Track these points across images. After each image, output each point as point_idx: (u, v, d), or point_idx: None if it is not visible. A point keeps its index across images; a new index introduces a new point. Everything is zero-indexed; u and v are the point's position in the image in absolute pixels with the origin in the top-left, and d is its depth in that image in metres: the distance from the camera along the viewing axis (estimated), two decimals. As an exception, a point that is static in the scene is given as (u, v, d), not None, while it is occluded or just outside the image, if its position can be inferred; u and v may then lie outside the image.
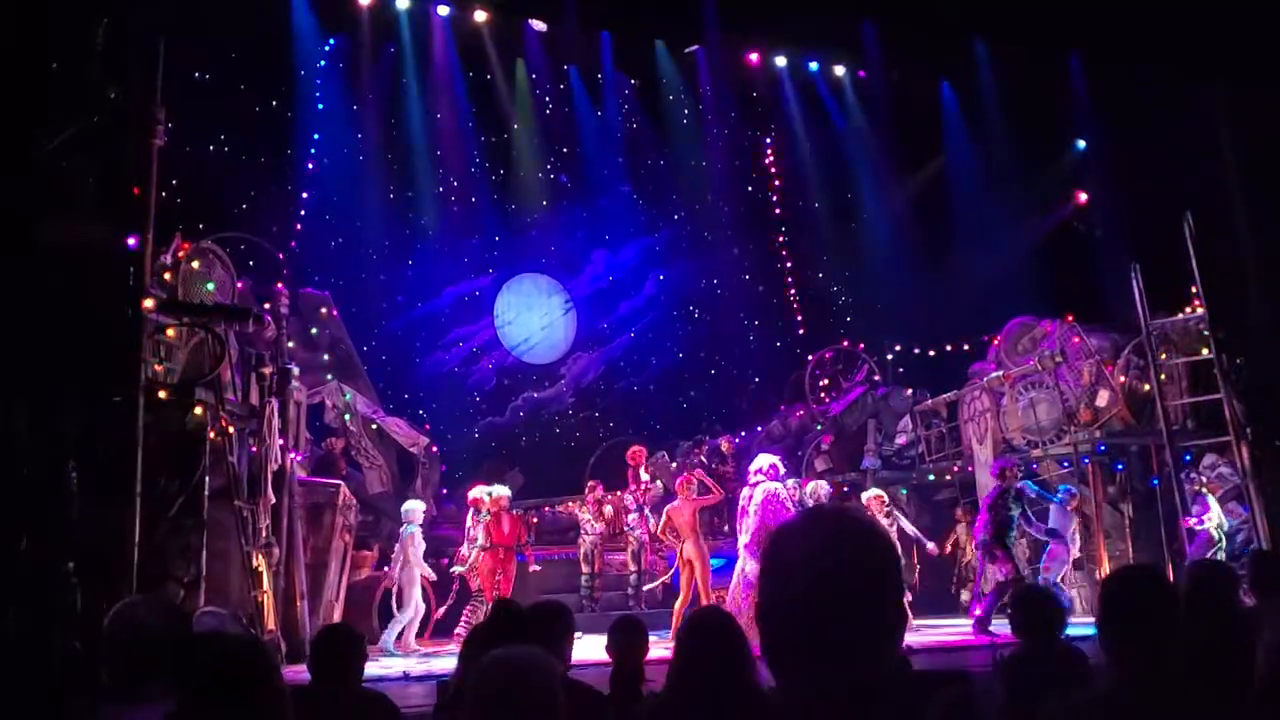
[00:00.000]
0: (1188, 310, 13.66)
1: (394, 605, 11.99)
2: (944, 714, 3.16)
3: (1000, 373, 15.40)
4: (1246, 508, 12.02)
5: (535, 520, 15.98)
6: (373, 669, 9.56)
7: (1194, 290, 12.82)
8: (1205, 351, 12.82)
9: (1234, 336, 12.55)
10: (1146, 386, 13.66)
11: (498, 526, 11.95)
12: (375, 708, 4.06)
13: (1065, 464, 14.47)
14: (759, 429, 19.30)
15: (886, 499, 13.20)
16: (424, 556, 12.13)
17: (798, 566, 1.63)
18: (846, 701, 1.57)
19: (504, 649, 2.40)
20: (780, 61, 20.68)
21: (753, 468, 12.12)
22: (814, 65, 20.84)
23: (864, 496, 13.12)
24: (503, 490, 12.36)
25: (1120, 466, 14.30)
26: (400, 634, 11.80)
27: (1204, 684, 2.46)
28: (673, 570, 13.13)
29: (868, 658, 1.59)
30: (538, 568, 13.08)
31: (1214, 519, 12.21)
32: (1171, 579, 10.55)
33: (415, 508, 12.28)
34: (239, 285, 11.18)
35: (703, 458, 18.25)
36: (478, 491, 12.51)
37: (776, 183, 22.37)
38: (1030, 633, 4.70)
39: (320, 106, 18.24)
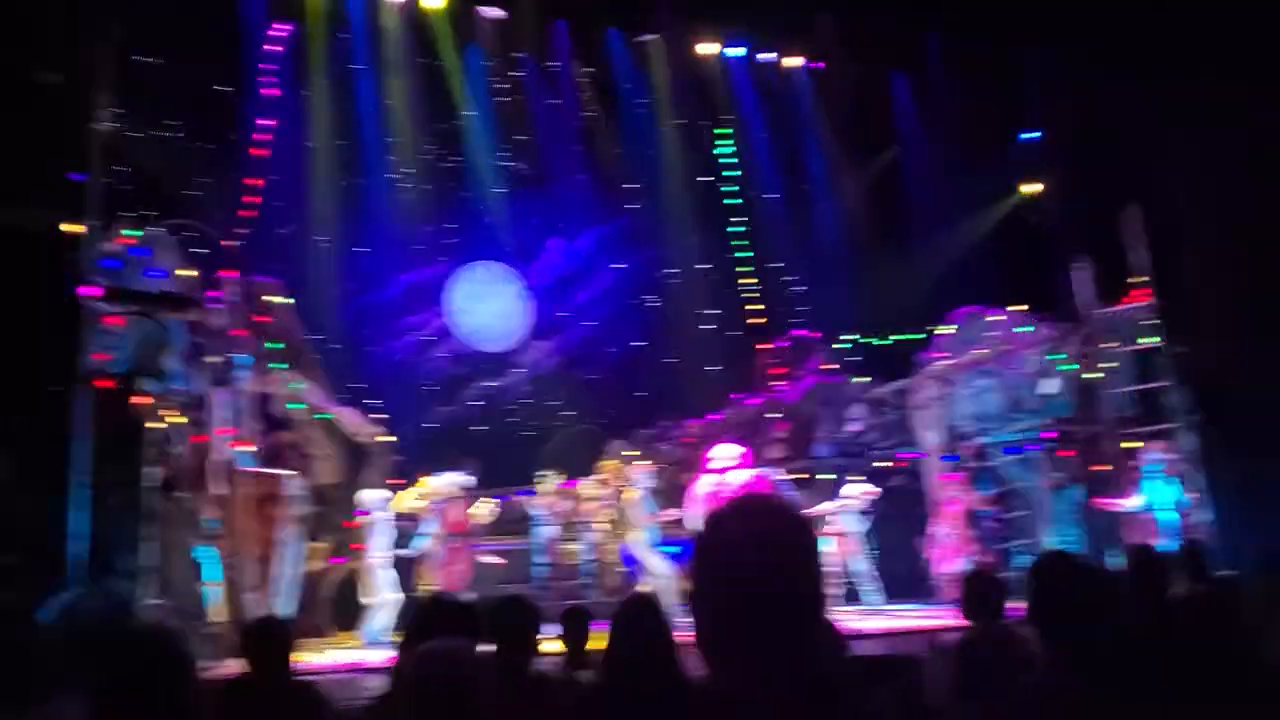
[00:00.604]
0: (1134, 300, 13.89)
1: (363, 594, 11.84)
2: (895, 701, 3.18)
3: (949, 361, 15.56)
4: (1192, 495, 12.25)
5: (500, 511, 15.89)
6: (326, 660, 9.53)
7: (1140, 280, 13.05)
8: (1150, 341, 13.04)
9: (1179, 326, 12.80)
10: (1093, 374, 13.88)
11: (444, 514, 11.89)
12: (303, 695, 4.06)
13: (1013, 451, 14.66)
14: (714, 418, 19.35)
15: (877, 496, 13.39)
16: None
17: (734, 555, 1.61)
18: (788, 691, 1.56)
19: (433, 642, 2.39)
20: (736, 52, 20.69)
21: (717, 454, 12.11)
22: (769, 55, 20.87)
23: (854, 490, 13.28)
24: (452, 478, 12.26)
25: (1067, 453, 14.51)
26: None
27: (1140, 670, 2.48)
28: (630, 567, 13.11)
29: (803, 647, 1.58)
30: (495, 559, 13.03)
31: (1142, 502, 12.22)
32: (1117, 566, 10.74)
33: (373, 496, 12.14)
34: (186, 272, 11.01)
35: (667, 445, 18.32)
36: (426, 480, 12.51)
37: (732, 173, 22.39)
38: (977, 615, 4.77)
39: (271, 93, 17.96)
